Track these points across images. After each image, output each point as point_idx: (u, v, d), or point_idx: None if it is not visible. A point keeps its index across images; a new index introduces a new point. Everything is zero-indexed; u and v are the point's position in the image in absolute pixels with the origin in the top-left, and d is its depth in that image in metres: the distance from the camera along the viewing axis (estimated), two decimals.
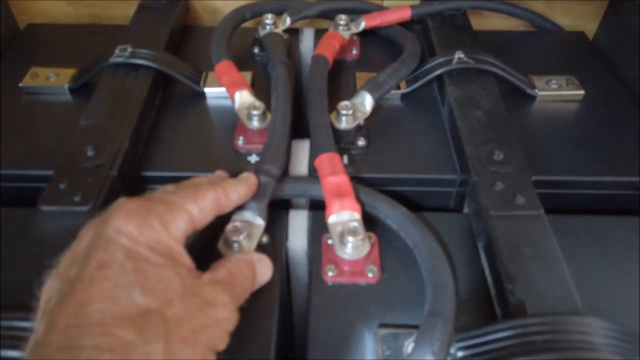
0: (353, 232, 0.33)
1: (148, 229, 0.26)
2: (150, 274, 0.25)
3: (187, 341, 0.24)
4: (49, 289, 0.26)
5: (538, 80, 0.50)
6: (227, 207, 0.32)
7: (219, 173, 0.37)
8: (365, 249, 0.34)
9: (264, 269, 0.32)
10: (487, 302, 0.33)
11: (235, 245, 0.33)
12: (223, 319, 0.26)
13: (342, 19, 0.52)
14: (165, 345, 0.23)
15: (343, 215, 0.35)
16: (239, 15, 0.54)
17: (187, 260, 0.27)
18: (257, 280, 0.31)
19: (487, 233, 0.35)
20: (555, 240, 0.34)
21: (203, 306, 0.26)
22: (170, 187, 0.31)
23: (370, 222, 0.37)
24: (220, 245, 0.33)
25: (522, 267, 0.32)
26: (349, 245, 0.33)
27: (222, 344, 0.26)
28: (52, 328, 0.23)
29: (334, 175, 0.36)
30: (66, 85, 0.48)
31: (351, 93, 0.48)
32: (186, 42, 0.57)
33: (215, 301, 0.26)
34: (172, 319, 0.24)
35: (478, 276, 0.35)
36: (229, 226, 0.33)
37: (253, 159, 0.42)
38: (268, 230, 0.36)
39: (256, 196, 0.35)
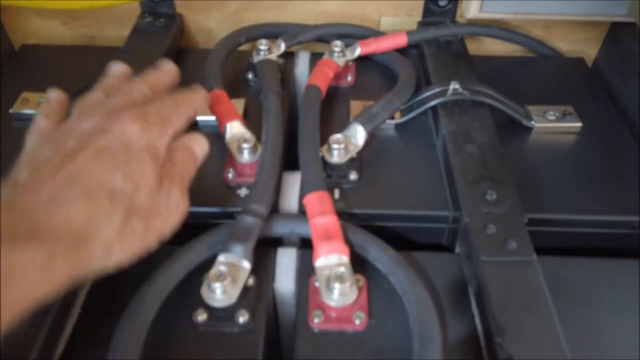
0: (340, 279, 0.33)
1: (147, 135, 0.32)
2: (136, 169, 0.30)
3: (141, 219, 0.30)
4: (39, 147, 0.31)
5: (535, 111, 0.49)
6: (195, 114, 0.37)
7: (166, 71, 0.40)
8: (352, 295, 0.33)
9: (200, 146, 0.36)
10: (477, 351, 0.33)
11: (219, 291, 0.32)
12: (173, 204, 0.32)
13: (337, 45, 0.51)
14: (124, 217, 0.29)
15: (331, 258, 0.34)
16: (234, 40, 0.53)
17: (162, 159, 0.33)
18: (198, 158, 0.36)
19: (477, 279, 0.34)
20: (547, 290, 0.33)
21: (161, 198, 0.31)
22: (159, 101, 0.35)
23: (360, 261, 0.36)
24: (204, 290, 0.32)
25: (512, 319, 0.31)
26: (336, 292, 0.32)
27: (167, 228, 0.32)
28: (39, 180, 0.28)
29: (323, 216, 0.36)
30: None
31: (345, 122, 0.47)
32: (180, 64, 0.56)
33: (170, 193, 0.32)
34: (136, 201, 0.30)
35: (469, 322, 0.34)
36: (213, 271, 0.33)
37: (243, 192, 0.41)
38: (255, 270, 0.35)
39: (242, 238, 0.34)
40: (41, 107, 0.35)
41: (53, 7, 0.57)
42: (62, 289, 0.26)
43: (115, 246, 0.28)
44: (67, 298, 0.34)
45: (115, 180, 0.29)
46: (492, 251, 0.35)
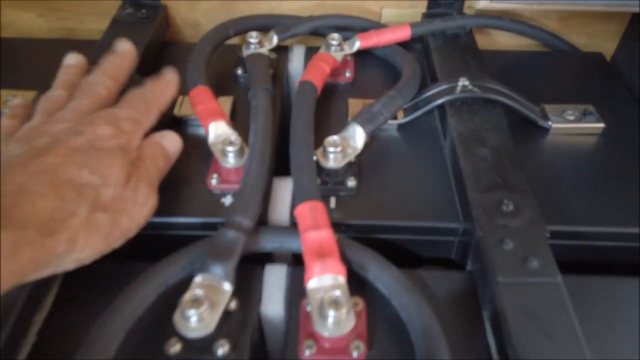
0: (335, 304, 0.28)
1: (119, 139, 0.33)
2: (103, 163, 0.31)
3: (107, 214, 0.30)
4: (5, 144, 0.31)
5: (552, 110, 0.44)
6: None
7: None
8: (349, 323, 0.28)
9: (171, 142, 0.36)
10: None
11: (194, 318, 0.28)
12: (141, 201, 0.32)
13: (335, 38, 0.47)
14: (91, 210, 0.29)
15: (325, 279, 0.30)
16: (222, 33, 0.49)
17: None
18: (169, 154, 0.36)
19: (493, 303, 0.30)
20: (575, 315, 0.29)
21: (128, 193, 0.31)
22: (130, 102, 0.36)
23: (358, 281, 0.32)
24: (177, 317, 0.28)
25: (534, 350, 0.27)
26: (330, 320, 0.28)
27: (133, 226, 0.32)
28: (6, 172, 0.28)
29: (316, 230, 0.31)
30: None
31: (342, 122, 0.43)
32: (164, 59, 0.52)
33: (137, 189, 0.32)
34: (102, 195, 0.30)
35: (483, 353, 0.30)
36: (187, 295, 0.28)
37: (228, 200, 0.37)
38: (238, 292, 0.30)
39: (223, 256, 0.30)
40: (4, 113, 0.35)
41: None
42: (25, 281, 0.26)
43: (80, 239, 0.28)
44: (20, 323, 0.29)
45: (82, 174, 0.30)
46: (510, 271, 0.30)
